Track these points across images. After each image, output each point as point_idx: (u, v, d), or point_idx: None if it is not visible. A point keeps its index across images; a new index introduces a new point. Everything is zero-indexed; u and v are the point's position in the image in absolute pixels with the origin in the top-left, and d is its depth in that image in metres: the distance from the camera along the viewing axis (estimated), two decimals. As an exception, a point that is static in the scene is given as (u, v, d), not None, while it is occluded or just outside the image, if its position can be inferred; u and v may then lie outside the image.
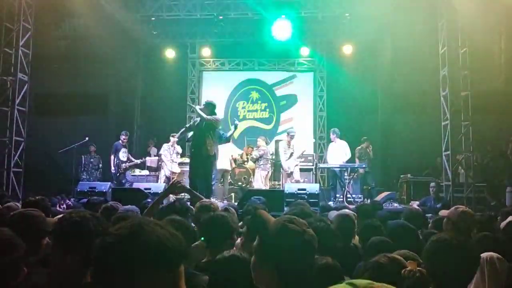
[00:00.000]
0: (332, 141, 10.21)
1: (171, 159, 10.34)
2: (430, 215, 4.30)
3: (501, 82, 10.96)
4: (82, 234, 1.77)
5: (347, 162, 9.89)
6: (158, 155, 11.03)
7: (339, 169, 9.82)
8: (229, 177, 10.59)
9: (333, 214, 4.07)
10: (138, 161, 10.78)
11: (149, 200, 6.08)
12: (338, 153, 9.93)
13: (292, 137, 9.83)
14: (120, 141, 10.59)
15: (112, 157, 10.47)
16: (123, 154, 10.53)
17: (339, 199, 9.25)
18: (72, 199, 8.47)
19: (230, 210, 3.63)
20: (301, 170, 10.17)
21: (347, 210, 4.11)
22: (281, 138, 11.83)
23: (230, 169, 10.52)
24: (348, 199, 9.07)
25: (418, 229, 3.78)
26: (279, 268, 1.59)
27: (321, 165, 10.84)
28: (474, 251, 2.10)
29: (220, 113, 9.77)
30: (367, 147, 10.51)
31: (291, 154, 9.65)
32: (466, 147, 9.10)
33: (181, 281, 1.08)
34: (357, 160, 10.33)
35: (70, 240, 1.78)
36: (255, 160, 10.04)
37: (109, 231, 1.07)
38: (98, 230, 1.80)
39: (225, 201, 8.50)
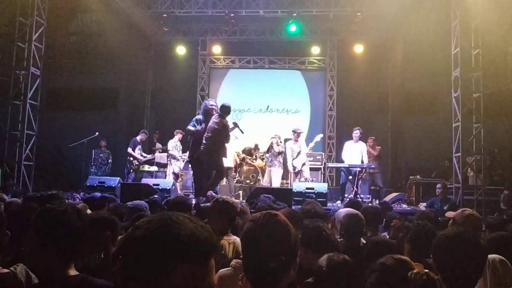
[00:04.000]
0: (352, 140, 9.91)
1: (180, 156, 10.39)
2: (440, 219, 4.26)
3: (514, 84, 10.81)
4: (61, 227, 1.77)
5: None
6: (165, 151, 11.05)
7: (348, 169, 9.74)
8: (235, 174, 10.53)
9: (341, 213, 4.06)
10: (149, 156, 10.84)
11: (156, 196, 6.12)
12: (356, 153, 9.79)
13: (299, 134, 9.80)
14: (138, 139, 10.68)
15: (131, 150, 10.55)
16: (138, 152, 10.62)
17: (347, 199, 9.20)
18: (82, 193, 8.54)
19: (245, 208, 3.67)
20: (310, 169, 10.12)
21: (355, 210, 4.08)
22: (290, 137, 11.83)
23: (233, 166, 10.25)
24: (357, 199, 9.03)
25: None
26: (248, 273, 1.50)
27: (330, 165, 10.79)
28: (480, 244, 2.08)
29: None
30: (372, 147, 10.37)
31: (299, 153, 9.60)
32: (477, 150, 9.00)
33: (212, 273, 1.09)
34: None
35: (50, 233, 1.77)
36: (277, 155, 9.94)
37: (139, 225, 1.07)
38: (78, 223, 1.81)
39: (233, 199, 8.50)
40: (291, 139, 10.03)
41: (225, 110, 7.46)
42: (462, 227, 3.19)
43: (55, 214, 1.81)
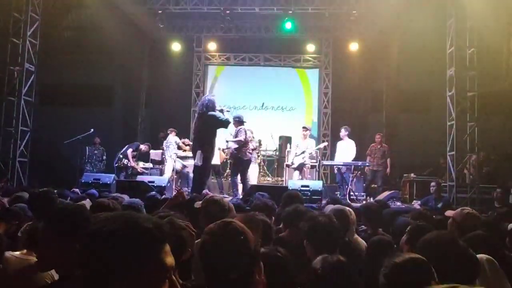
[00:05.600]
0: (341, 139, 10.03)
1: (175, 153, 10.33)
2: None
3: (508, 83, 10.88)
4: (81, 225, 1.76)
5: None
6: (162, 148, 10.99)
7: (342, 166, 9.79)
8: (223, 172, 10.44)
9: (328, 208, 4.06)
10: (133, 165, 10.56)
11: (153, 193, 6.10)
12: (346, 151, 9.84)
13: (308, 131, 9.91)
14: (139, 147, 10.63)
15: (130, 152, 10.47)
16: (133, 153, 10.55)
17: (342, 197, 9.23)
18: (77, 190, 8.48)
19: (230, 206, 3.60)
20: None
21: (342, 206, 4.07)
22: (285, 134, 11.85)
23: (219, 163, 10.06)
24: (351, 197, 9.07)
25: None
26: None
27: (325, 162, 10.82)
28: (461, 246, 2.06)
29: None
30: (379, 143, 10.37)
31: (303, 152, 9.61)
32: (471, 148, 9.06)
33: (171, 257, 1.14)
34: (368, 158, 10.19)
35: (69, 231, 1.75)
36: (252, 151, 9.92)
37: (101, 224, 1.11)
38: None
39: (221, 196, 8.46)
40: (287, 136, 10.08)
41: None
42: (461, 226, 3.22)
43: (74, 212, 1.81)
